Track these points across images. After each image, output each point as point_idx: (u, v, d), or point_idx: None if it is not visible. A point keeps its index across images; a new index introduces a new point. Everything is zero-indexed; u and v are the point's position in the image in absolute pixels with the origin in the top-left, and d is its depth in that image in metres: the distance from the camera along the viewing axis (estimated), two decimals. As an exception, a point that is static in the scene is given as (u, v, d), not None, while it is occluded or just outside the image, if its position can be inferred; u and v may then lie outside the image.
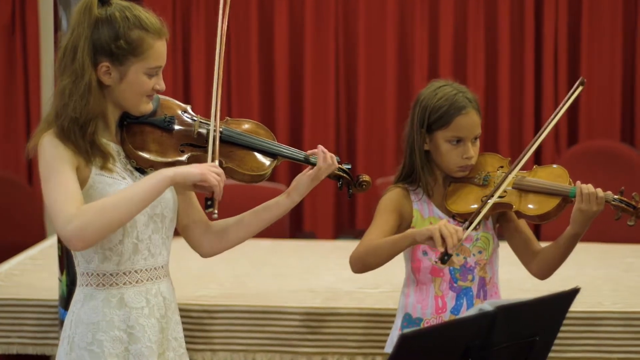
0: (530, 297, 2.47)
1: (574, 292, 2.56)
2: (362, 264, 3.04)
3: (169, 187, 2.76)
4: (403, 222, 3.12)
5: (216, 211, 2.61)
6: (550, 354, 2.64)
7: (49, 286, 4.15)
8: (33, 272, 4.59)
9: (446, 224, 2.84)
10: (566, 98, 3.09)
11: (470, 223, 2.96)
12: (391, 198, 3.14)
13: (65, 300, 3.87)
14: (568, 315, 2.65)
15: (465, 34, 6.51)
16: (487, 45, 6.52)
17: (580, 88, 3.10)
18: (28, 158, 2.68)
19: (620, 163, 6.00)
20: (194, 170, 2.58)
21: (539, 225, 5.57)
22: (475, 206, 3.05)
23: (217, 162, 2.66)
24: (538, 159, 6.42)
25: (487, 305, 2.36)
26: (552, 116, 3.09)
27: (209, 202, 2.60)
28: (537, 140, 3.08)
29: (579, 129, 6.51)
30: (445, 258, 2.84)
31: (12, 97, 6.71)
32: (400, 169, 3.19)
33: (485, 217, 3.07)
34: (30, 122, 6.72)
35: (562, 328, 2.66)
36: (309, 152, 2.87)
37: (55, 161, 2.57)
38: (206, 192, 2.61)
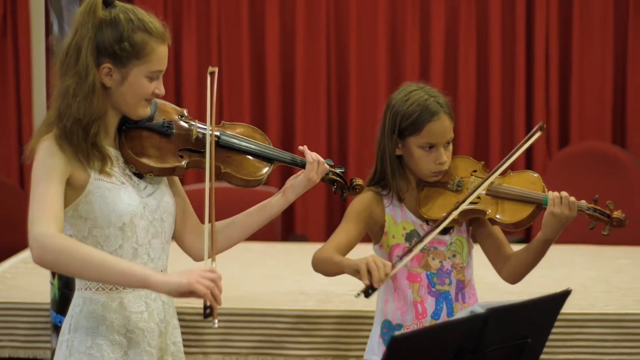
0: (519, 299, 2.47)
1: (566, 294, 2.57)
2: (316, 269, 3.04)
3: (168, 191, 2.77)
4: (375, 226, 3.10)
5: (216, 320, 2.45)
6: (542, 356, 2.65)
7: (41, 290, 4.15)
8: (25, 275, 4.59)
9: (375, 259, 2.79)
10: (523, 141, 3.05)
11: (407, 254, 2.93)
12: (360, 202, 3.11)
13: (58, 303, 3.86)
14: (559, 317, 2.66)
15: (457, 36, 6.51)
16: (478, 49, 6.52)
17: (538, 133, 3.08)
18: (26, 162, 2.66)
19: (611, 165, 6.00)
20: (182, 281, 2.42)
21: (529, 228, 5.58)
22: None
23: (214, 265, 2.54)
24: (529, 160, 6.44)
25: (479, 308, 2.37)
26: (508, 155, 3.03)
27: (207, 311, 2.44)
28: (496, 170, 3.05)
29: (570, 130, 6.52)
30: (369, 292, 2.79)
31: (3, 101, 6.71)
32: (372, 173, 3.16)
33: (459, 223, 3.06)
34: (22, 125, 6.72)
35: (554, 330, 2.66)
36: (300, 152, 2.87)
37: (45, 170, 2.55)
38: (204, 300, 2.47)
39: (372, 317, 3.85)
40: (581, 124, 6.50)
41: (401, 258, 2.93)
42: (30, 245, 2.46)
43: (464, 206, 2.98)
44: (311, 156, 2.85)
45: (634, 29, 6.44)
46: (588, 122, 6.50)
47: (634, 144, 6.45)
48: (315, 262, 3.03)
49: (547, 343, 2.65)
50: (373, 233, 3.13)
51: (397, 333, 2.41)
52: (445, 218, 2.97)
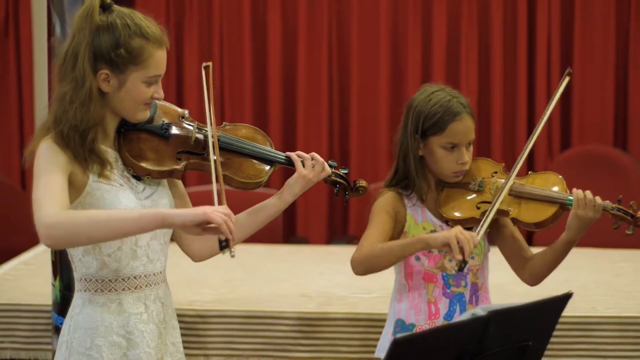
0: (522, 302, 2.47)
1: (567, 296, 2.57)
2: (366, 267, 3.00)
3: (166, 193, 2.77)
4: (397, 225, 3.12)
5: (232, 249, 2.47)
6: (543, 359, 2.65)
7: (43, 291, 4.15)
8: (26, 277, 4.59)
9: (462, 231, 2.82)
10: (556, 92, 3.11)
11: (481, 227, 2.94)
12: (387, 200, 3.12)
13: (59, 305, 3.86)
14: (561, 320, 2.66)
15: (458, 39, 6.52)
16: (480, 51, 6.53)
17: (567, 79, 3.12)
18: (25, 166, 2.67)
19: (613, 168, 6.01)
20: (196, 211, 2.45)
21: (531, 231, 5.58)
22: (471, 213, 3.05)
23: (224, 205, 2.54)
24: (531, 163, 6.43)
25: (480, 310, 2.37)
26: (545, 110, 3.11)
27: (223, 244, 2.46)
28: (533, 136, 3.09)
29: (572, 133, 6.52)
30: (462, 265, 2.82)
31: (5, 102, 6.71)
32: (393, 173, 3.17)
33: (478, 223, 3.07)
34: (23, 126, 6.72)
35: (555, 333, 2.66)
36: (295, 154, 2.87)
37: (48, 164, 2.56)
38: (219, 235, 2.48)
39: (372, 320, 3.87)
40: (583, 126, 6.51)
41: (480, 226, 2.94)
42: (38, 230, 2.46)
43: (511, 180, 3.02)
44: (296, 154, 2.86)
45: (635, 31, 6.44)
46: (590, 125, 6.50)
47: (635, 146, 6.46)
48: (363, 260, 2.99)
49: (549, 346, 2.65)
50: (394, 232, 3.13)
51: (398, 335, 2.40)
52: (501, 190, 3.02)
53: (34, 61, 6.71)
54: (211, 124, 2.72)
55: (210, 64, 2.81)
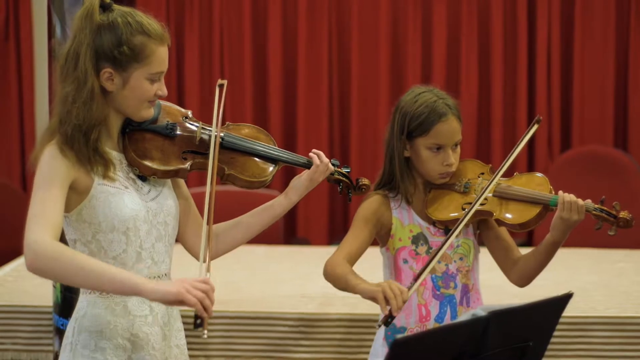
0: (521, 302, 2.48)
1: (567, 297, 2.57)
2: (328, 280, 3.05)
3: (171, 195, 2.77)
4: (382, 229, 3.12)
5: (205, 331, 2.42)
6: (544, 359, 2.65)
7: (43, 293, 4.15)
8: (27, 278, 4.58)
9: (391, 285, 2.78)
10: (522, 137, 3.06)
11: (418, 277, 2.89)
12: (369, 207, 3.12)
13: (60, 306, 3.87)
14: (561, 320, 2.66)
15: (459, 38, 6.51)
16: (480, 51, 6.53)
17: (535, 127, 3.09)
18: (30, 169, 2.66)
19: (613, 168, 6.00)
20: (171, 289, 2.40)
21: (531, 231, 5.58)
22: (456, 214, 3.04)
23: (208, 275, 2.52)
24: (531, 164, 6.44)
25: (480, 311, 2.37)
26: (510, 154, 3.04)
27: (198, 321, 2.41)
28: (503, 165, 3.05)
29: (572, 134, 6.52)
30: (389, 321, 2.78)
31: (5, 104, 6.71)
32: (380, 175, 3.18)
33: (466, 225, 3.06)
34: (24, 128, 6.72)
35: (556, 333, 2.67)
36: (304, 153, 2.89)
37: (48, 175, 2.55)
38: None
39: (373, 320, 3.86)
40: (583, 127, 6.50)
41: (415, 279, 2.90)
42: (24, 252, 2.47)
43: (472, 211, 2.99)
44: (318, 158, 2.87)
45: (635, 32, 6.44)
46: (590, 125, 6.50)
47: (635, 147, 6.46)
48: (328, 275, 3.03)
49: (549, 346, 2.66)
50: (380, 236, 3.14)
51: (399, 336, 2.40)
52: (456, 228, 2.96)
53: (34, 63, 6.71)
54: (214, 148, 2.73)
55: (225, 82, 2.80)
